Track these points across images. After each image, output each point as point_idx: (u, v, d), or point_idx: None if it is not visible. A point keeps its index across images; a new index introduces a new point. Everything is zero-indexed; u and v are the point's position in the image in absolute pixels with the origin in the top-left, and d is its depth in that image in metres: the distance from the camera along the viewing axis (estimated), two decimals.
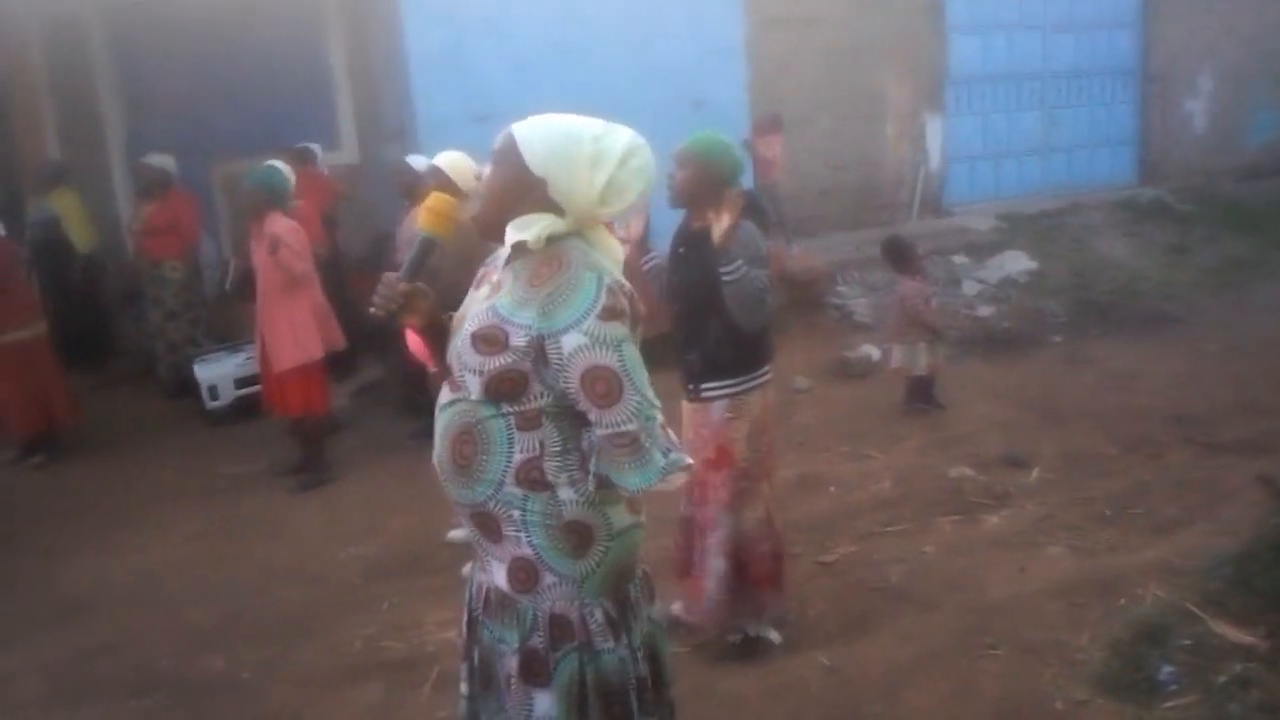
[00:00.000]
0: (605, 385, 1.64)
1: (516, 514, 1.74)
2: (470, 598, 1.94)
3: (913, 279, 5.56)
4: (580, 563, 1.76)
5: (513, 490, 1.73)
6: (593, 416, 1.66)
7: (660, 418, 1.68)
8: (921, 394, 5.54)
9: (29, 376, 5.39)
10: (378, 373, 6.67)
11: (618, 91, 6.56)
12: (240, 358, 6.12)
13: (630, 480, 1.67)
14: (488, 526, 1.77)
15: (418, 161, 5.44)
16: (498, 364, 1.67)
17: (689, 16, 7.23)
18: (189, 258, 6.56)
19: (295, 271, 4.70)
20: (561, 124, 1.71)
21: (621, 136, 1.72)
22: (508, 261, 1.77)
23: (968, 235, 8.80)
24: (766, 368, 3.03)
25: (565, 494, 1.73)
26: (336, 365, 5.56)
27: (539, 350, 1.66)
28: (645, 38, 7.14)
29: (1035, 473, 4.60)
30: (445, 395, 1.80)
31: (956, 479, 4.57)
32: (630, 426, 1.64)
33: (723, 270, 2.77)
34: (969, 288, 7.83)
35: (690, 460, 1.71)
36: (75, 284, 7.02)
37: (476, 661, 1.91)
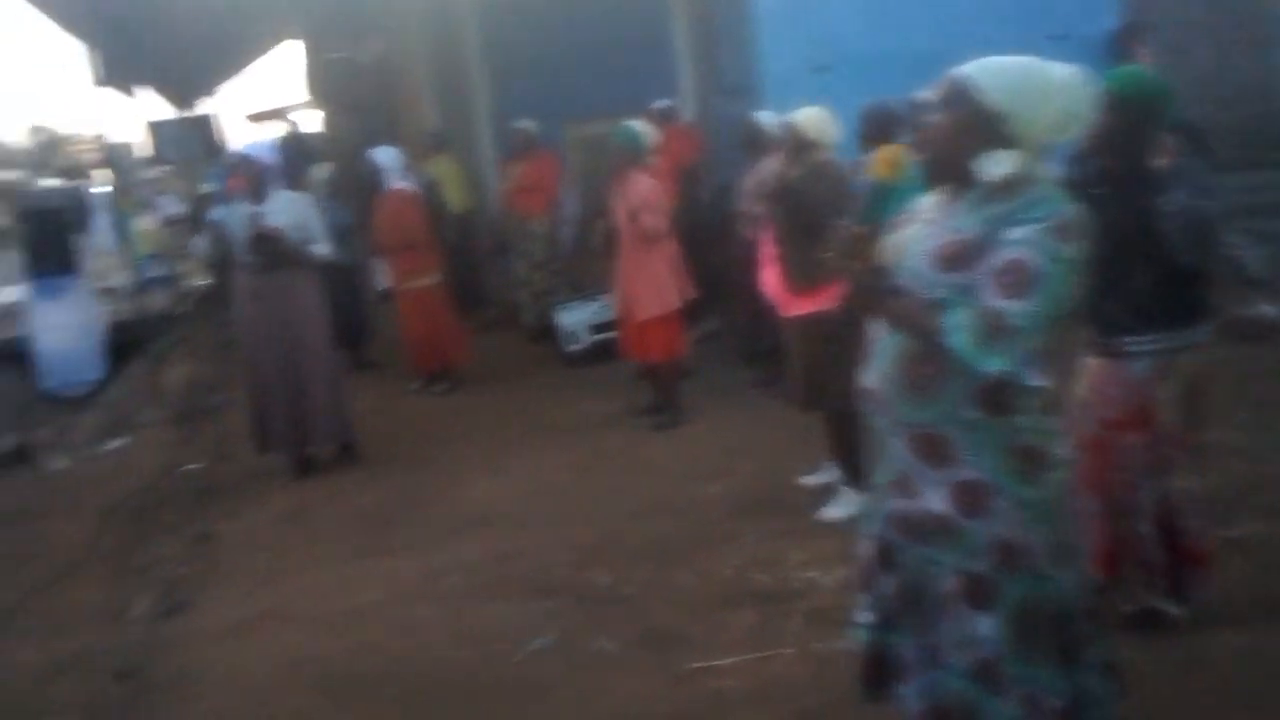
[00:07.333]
0: (1016, 279, 1.67)
1: (971, 437, 1.78)
2: (883, 526, 1.99)
3: None
4: (1032, 488, 1.78)
5: (971, 413, 1.77)
6: (986, 297, 1.69)
7: (1035, 343, 1.69)
8: None
9: (430, 318, 6.21)
10: (715, 323, 6.91)
11: (968, 30, 6.21)
12: (596, 306, 6.61)
13: (976, 356, 1.68)
14: (933, 449, 1.82)
15: (764, 117, 5.54)
16: (966, 280, 1.73)
17: None
18: (551, 213, 7.17)
19: (656, 233, 4.98)
20: (1013, 61, 1.76)
21: (1065, 68, 1.76)
22: (952, 198, 1.83)
23: None
24: (1203, 326, 2.73)
25: (1024, 419, 1.77)
26: (682, 313, 5.84)
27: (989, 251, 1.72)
28: None
29: None
30: None
31: None
32: (1014, 321, 1.65)
33: (1161, 200, 2.57)
34: None
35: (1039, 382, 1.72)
36: (451, 241, 7.90)
37: (890, 589, 1.97)
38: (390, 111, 10.74)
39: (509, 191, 7.21)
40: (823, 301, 3.79)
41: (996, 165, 1.73)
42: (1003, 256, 1.69)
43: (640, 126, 5.39)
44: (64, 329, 8.40)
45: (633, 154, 5.09)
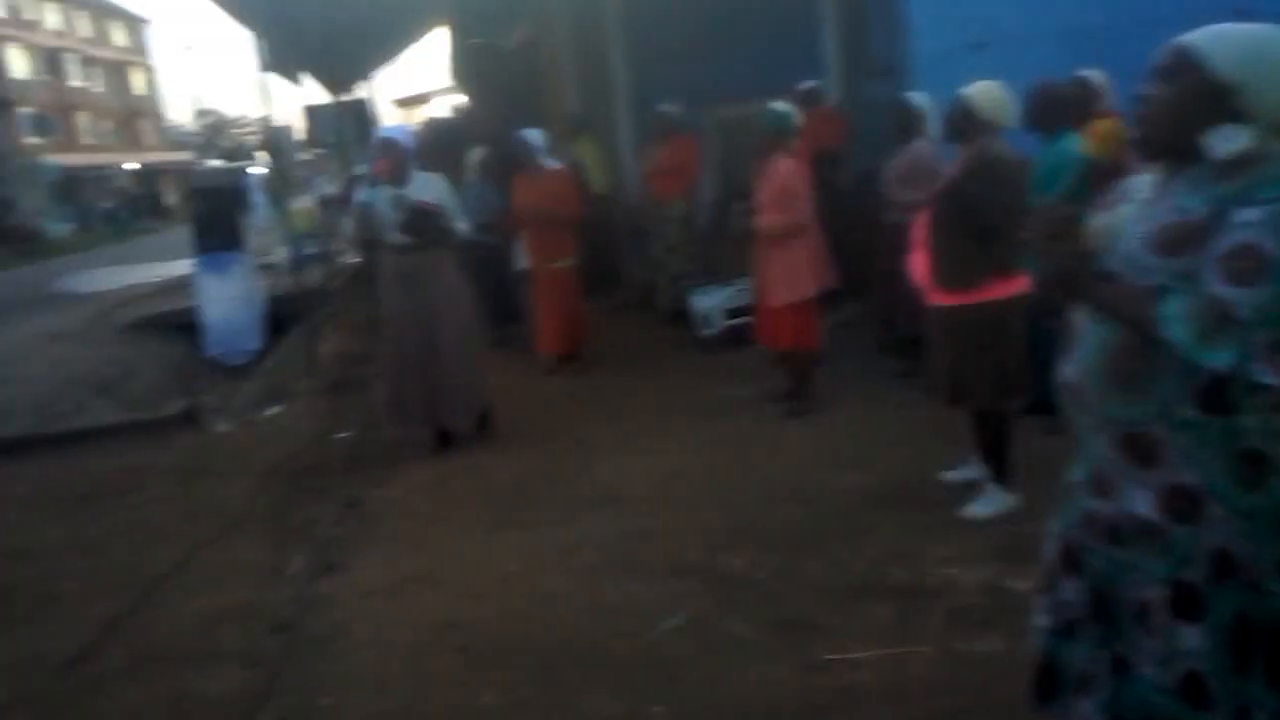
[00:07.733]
0: (1247, 264, 1.52)
1: (1185, 437, 1.65)
2: (1072, 527, 1.88)
3: None
4: (1254, 496, 1.63)
5: (1186, 411, 1.64)
6: (1211, 284, 1.55)
7: (1266, 336, 1.52)
8: None
9: (565, 300, 6.32)
10: (853, 311, 6.78)
11: (1137, 5, 5.83)
12: (731, 290, 6.58)
13: (1197, 349, 1.55)
14: (1140, 449, 1.70)
15: (916, 99, 5.36)
16: (1187, 265, 1.60)
17: None
18: (690, 197, 7.18)
19: (773, 232, 4.94)
20: (1247, 29, 1.61)
21: None
22: (1171, 177, 1.71)
23: None
24: None
25: (1248, 420, 1.62)
26: (820, 300, 5.75)
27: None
28: None
29: None
30: None
31: None
32: (1243, 311, 1.51)
33: None
34: None
35: (1269, 379, 1.55)
36: (590, 222, 8.01)
37: (1073, 594, 1.86)
38: (532, 95, 10.95)
39: (648, 175, 7.25)
40: (973, 294, 3.65)
41: (1227, 141, 1.60)
42: (1231, 240, 1.55)
43: (786, 108, 5.32)
44: (228, 301, 8.97)
45: (778, 137, 5.02)
